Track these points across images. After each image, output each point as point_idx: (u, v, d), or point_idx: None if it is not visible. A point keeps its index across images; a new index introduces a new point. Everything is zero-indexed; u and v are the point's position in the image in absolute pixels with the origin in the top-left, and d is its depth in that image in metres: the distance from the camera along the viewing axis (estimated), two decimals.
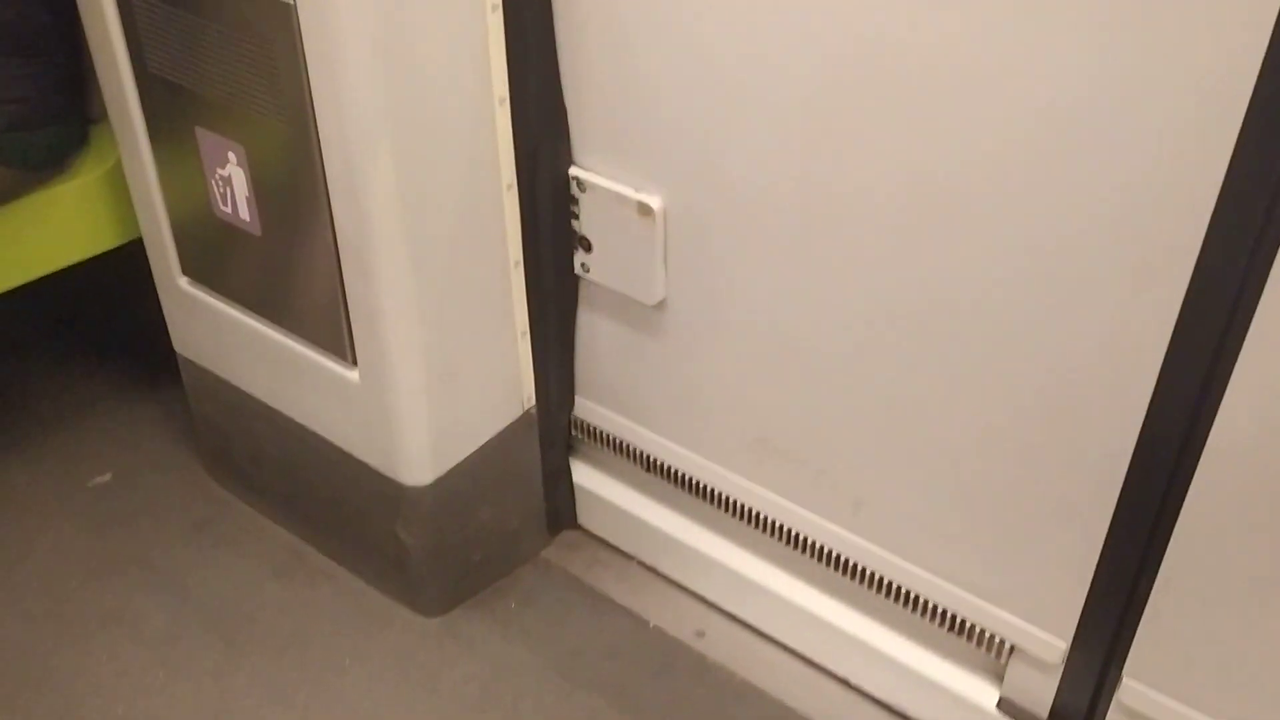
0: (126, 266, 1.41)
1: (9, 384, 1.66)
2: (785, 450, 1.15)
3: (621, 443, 1.32)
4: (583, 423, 1.35)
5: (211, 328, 1.31)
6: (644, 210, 1.11)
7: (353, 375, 1.17)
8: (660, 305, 1.16)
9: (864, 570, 1.16)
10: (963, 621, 1.11)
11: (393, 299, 1.09)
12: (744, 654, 1.29)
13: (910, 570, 1.12)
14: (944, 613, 1.12)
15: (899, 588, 1.14)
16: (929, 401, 1.01)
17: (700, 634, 1.31)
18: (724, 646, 1.30)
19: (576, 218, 1.17)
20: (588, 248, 1.18)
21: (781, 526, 1.21)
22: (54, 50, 1.24)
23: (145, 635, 1.30)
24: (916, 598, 1.14)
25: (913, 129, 0.89)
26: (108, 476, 1.51)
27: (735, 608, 1.32)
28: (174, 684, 1.24)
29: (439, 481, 1.23)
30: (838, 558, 1.18)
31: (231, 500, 1.47)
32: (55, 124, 1.28)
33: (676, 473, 1.28)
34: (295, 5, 0.95)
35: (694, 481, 1.26)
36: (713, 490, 1.25)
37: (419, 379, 1.15)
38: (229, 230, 1.19)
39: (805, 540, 1.19)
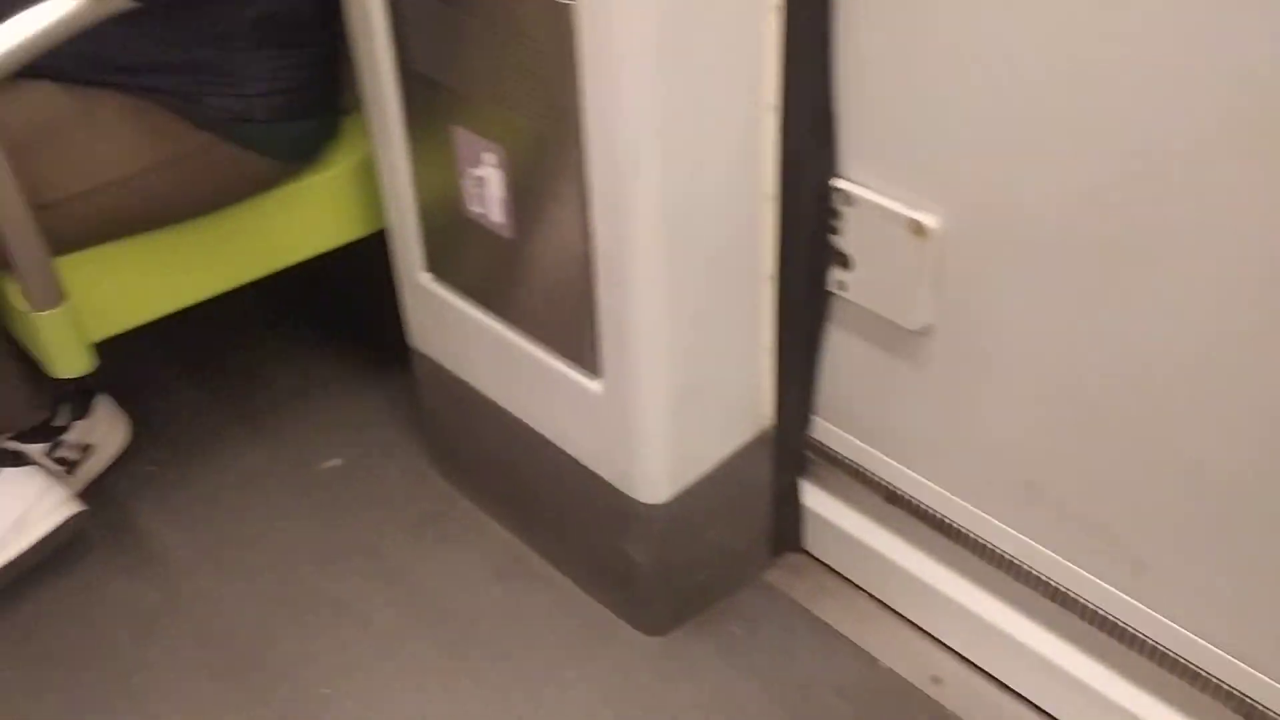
0: (362, 256, 1.42)
1: (247, 367, 1.71)
2: (1058, 499, 1.05)
3: (861, 469, 1.24)
4: (819, 445, 1.28)
5: (450, 325, 1.30)
6: (916, 229, 1.02)
7: (595, 386, 1.13)
8: (923, 331, 1.08)
9: (1138, 637, 1.05)
10: (1252, 707, 0.99)
11: (645, 311, 1.05)
12: (986, 708, 1.19)
13: (1195, 643, 1.01)
14: (1229, 693, 1.00)
15: (1178, 661, 1.03)
16: (1246, 470, 0.89)
17: (936, 680, 1.23)
18: (963, 696, 1.21)
19: (837, 232, 1.10)
20: (846, 265, 1.11)
21: (1041, 579, 1.11)
22: (316, 41, 1.25)
23: (373, 628, 1.30)
24: (1198, 673, 1.02)
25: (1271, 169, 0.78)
26: (338, 462, 1.54)
27: (977, 656, 1.23)
28: (403, 682, 1.24)
29: (673, 500, 1.18)
30: (1106, 619, 1.07)
31: (456, 496, 1.47)
32: (313, 115, 1.29)
33: (922, 507, 1.19)
34: (574, 6, 0.91)
35: (942, 519, 1.18)
36: (964, 531, 1.16)
37: (664, 395, 1.10)
38: (477, 230, 1.17)
39: (1069, 597, 1.09)
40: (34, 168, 1.09)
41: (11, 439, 1.38)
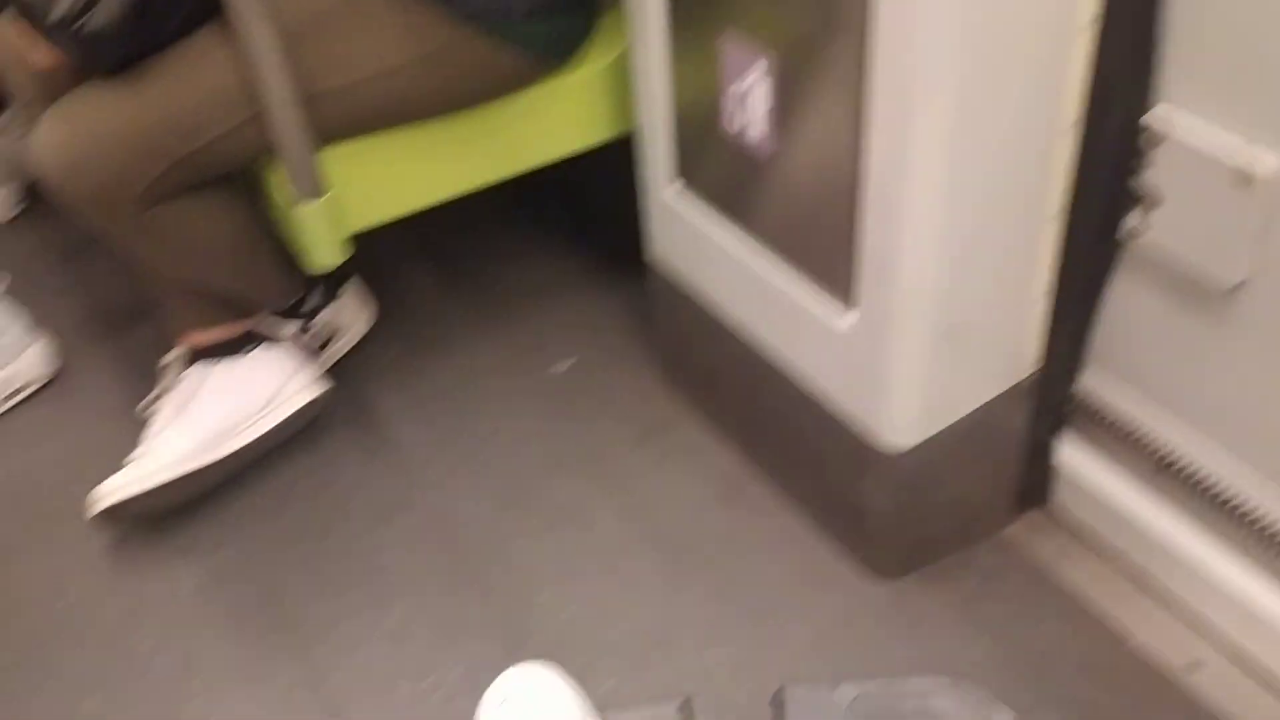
0: (605, 158, 1.38)
1: (485, 264, 1.72)
2: None
3: (1132, 429, 1.13)
4: (1085, 399, 1.17)
5: (694, 239, 1.25)
6: (1242, 174, 0.89)
7: (847, 320, 1.06)
8: (1235, 289, 0.95)
9: None
10: None
11: (915, 243, 0.96)
12: (1248, 703, 1.08)
13: None
14: None
15: None
16: None
17: (1194, 666, 1.12)
18: (1222, 688, 1.10)
19: (1141, 173, 0.97)
20: (1149, 208, 0.98)
21: None
22: None
23: (596, 539, 1.30)
24: None
25: None
26: (567, 365, 1.53)
27: (1244, 645, 1.11)
28: (623, 596, 1.24)
29: (918, 447, 1.11)
30: None
31: (682, 412, 1.44)
32: (572, 13, 1.25)
33: (1199, 477, 1.07)
34: None
35: (1222, 493, 1.05)
36: (1247, 510, 1.04)
37: (924, 334, 1.02)
38: (735, 145, 1.10)
39: None
40: (302, 59, 1.10)
41: (266, 318, 1.44)
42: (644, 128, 1.25)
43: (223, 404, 1.35)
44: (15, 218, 1.90)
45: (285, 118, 1.10)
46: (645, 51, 1.18)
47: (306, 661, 1.21)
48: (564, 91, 1.30)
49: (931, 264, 0.98)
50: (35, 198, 1.89)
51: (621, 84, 1.30)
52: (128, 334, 1.65)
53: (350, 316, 1.53)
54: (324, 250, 1.21)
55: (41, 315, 1.59)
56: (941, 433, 1.11)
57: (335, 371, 1.52)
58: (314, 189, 1.16)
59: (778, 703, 0.88)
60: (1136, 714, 1.09)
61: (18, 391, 1.53)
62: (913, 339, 1.02)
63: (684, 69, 1.14)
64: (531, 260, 1.72)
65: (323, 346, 1.51)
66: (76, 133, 1.10)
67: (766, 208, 1.12)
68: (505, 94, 1.25)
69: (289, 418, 1.39)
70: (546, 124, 1.31)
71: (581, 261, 1.70)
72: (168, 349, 1.43)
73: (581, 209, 1.75)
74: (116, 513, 1.30)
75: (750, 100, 1.05)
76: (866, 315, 1.04)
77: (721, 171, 1.16)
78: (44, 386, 1.57)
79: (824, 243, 1.05)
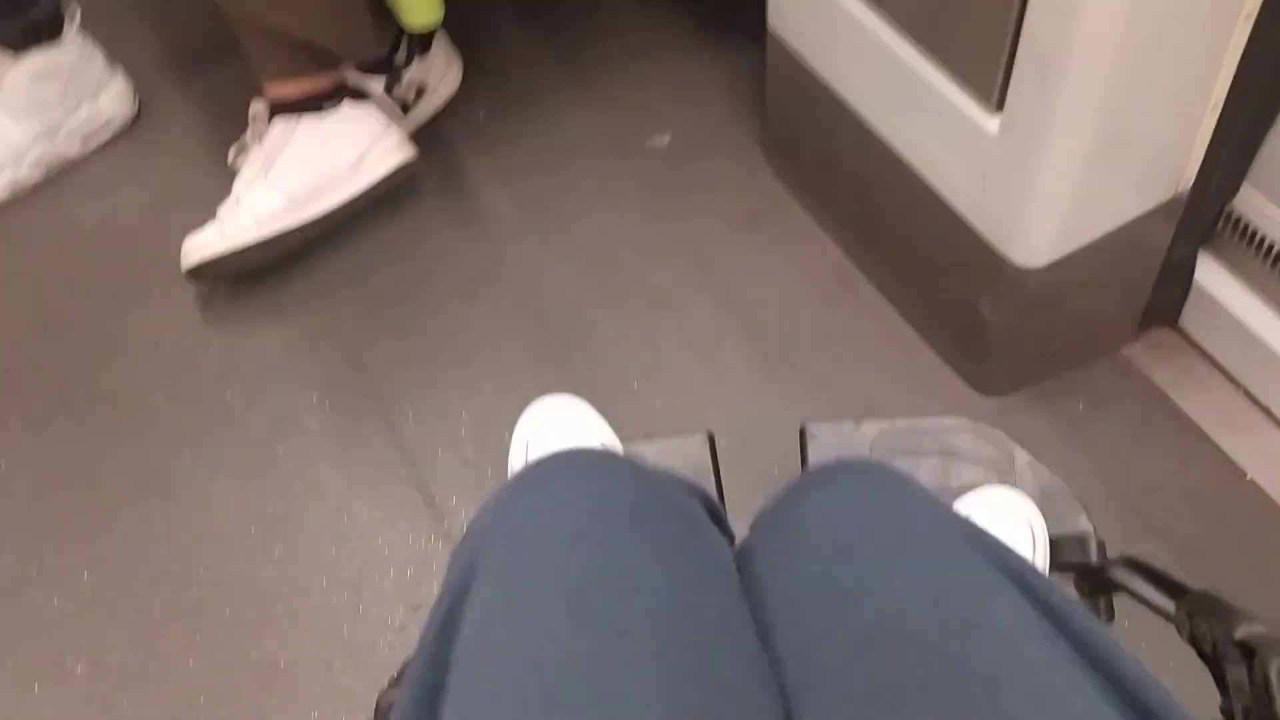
0: None
1: (585, 20, 1.59)
2: None
3: (1278, 257, 1.03)
4: (1239, 219, 1.07)
5: (821, 14, 1.13)
6: None
7: (991, 123, 0.96)
8: None
9: None
10: None
11: (1085, 41, 0.84)
12: None
13: None
14: None
15: None
16: None
17: None
18: None
19: None
20: None
21: None
22: None
23: (689, 330, 1.26)
24: None
25: None
26: (666, 139, 1.44)
27: None
28: (713, 390, 1.21)
29: (1053, 265, 1.03)
30: None
31: (788, 199, 1.36)
32: None
33: None
34: None
35: None
36: None
37: (1080, 144, 0.92)
38: None
39: None
40: None
41: (351, 71, 1.35)
42: None
43: (310, 163, 1.30)
44: None
45: None
46: None
47: (393, 434, 1.21)
48: None
49: (1102, 68, 0.86)
50: None
51: None
52: (208, 72, 1.57)
53: (438, 73, 1.44)
54: (420, 8, 1.11)
55: (117, 50, 1.51)
56: (1078, 251, 1.03)
57: (424, 132, 1.45)
58: None
59: (803, 437, 0.89)
60: (1245, 552, 1.06)
61: (98, 131, 1.49)
62: (1067, 151, 0.92)
63: None
64: (639, 18, 1.58)
65: (411, 105, 1.43)
66: None
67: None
68: None
69: (376, 182, 1.33)
70: None
71: (694, 24, 1.56)
72: (250, 90, 1.36)
73: None
74: (205, 270, 1.28)
75: None
76: (1014, 121, 0.94)
77: None
78: (124, 127, 1.52)
79: (977, 35, 0.93)
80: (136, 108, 1.52)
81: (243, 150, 1.37)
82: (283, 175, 1.29)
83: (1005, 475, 0.89)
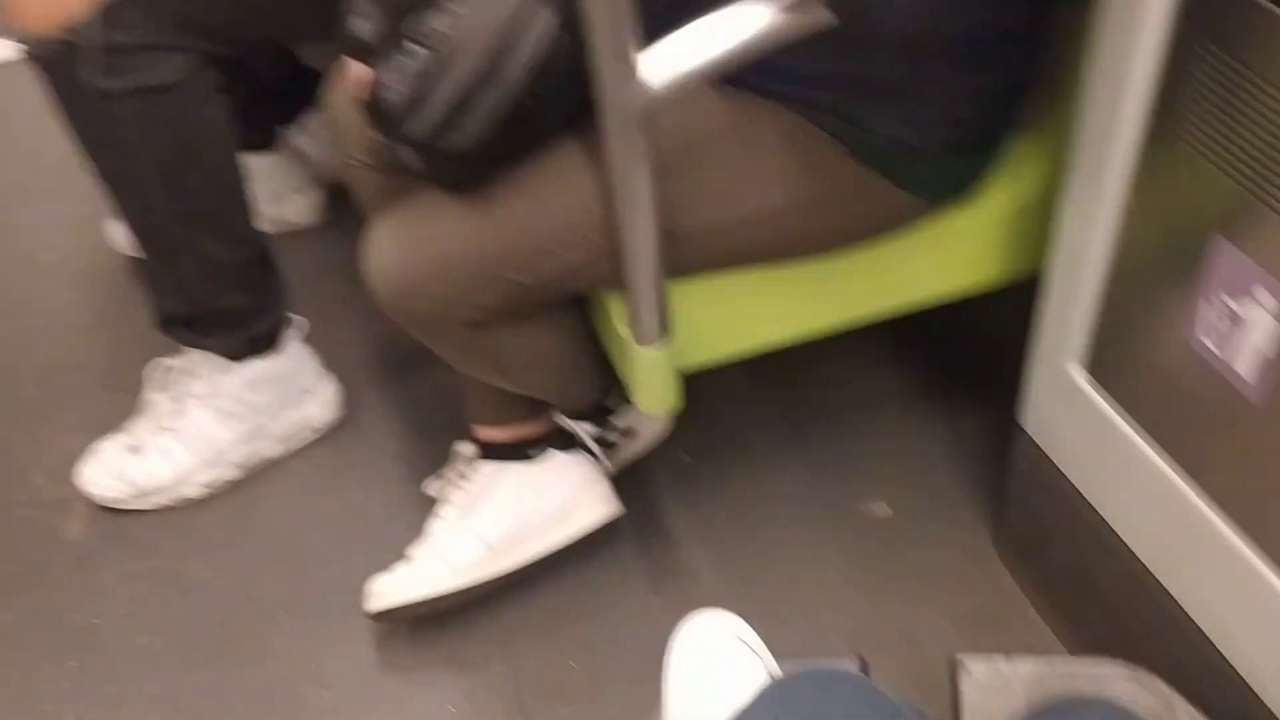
0: None
1: (807, 370, 1.51)
2: None
3: None
4: None
5: (1096, 442, 1.02)
6: None
7: None
8: None
9: None
10: None
11: None
12: None
13: None
14: None
15: None
16: None
17: None
18: None
19: None
20: None
21: None
22: (1017, 62, 0.97)
23: None
24: None
25: None
26: (885, 510, 1.34)
27: None
28: None
29: None
30: None
31: (1023, 601, 1.23)
32: (984, 151, 1.03)
33: None
34: None
35: None
36: None
37: None
38: (1199, 367, 0.86)
39: None
40: (673, 190, 0.92)
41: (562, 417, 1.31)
42: (1054, 291, 1.02)
43: (513, 513, 1.24)
44: (316, 226, 1.81)
45: (642, 256, 0.93)
46: (1088, 215, 0.94)
47: None
48: (956, 233, 1.08)
49: None
50: (338, 207, 1.79)
51: (1024, 227, 1.07)
52: (416, 377, 1.56)
53: (648, 420, 1.39)
54: (655, 394, 1.05)
55: (330, 354, 1.51)
56: None
57: (624, 475, 1.38)
58: (655, 332, 1.00)
59: (954, 670, 0.90)
60: None
61: (301, 433, 1.47)
62: None
63: (1143, 253, 0.91)
64: (866, 373, 1.50)
65: (616, 447, 1.37)
66: (412, 257, 0.97)
67: (1231, 463, 0.88)
68: (888, 235, 1.05)
69: (575, 535, 1.26)
70: (927, 267, 1.10)
71: (925, 390, 1.47)
72: (455, 403, 1.31)
73: (940, 331, 1.50)
74: (392, 615, 1.22)
75: (1245, 333, 0.81)
76: None
77: (1168, 389, 0.92)
78: (327, 430, 1.50)
79: None
80: (343, 413, 1.51)
81: (443, 485, 1.32)
82: (484, 523, 1.24)
83: None
